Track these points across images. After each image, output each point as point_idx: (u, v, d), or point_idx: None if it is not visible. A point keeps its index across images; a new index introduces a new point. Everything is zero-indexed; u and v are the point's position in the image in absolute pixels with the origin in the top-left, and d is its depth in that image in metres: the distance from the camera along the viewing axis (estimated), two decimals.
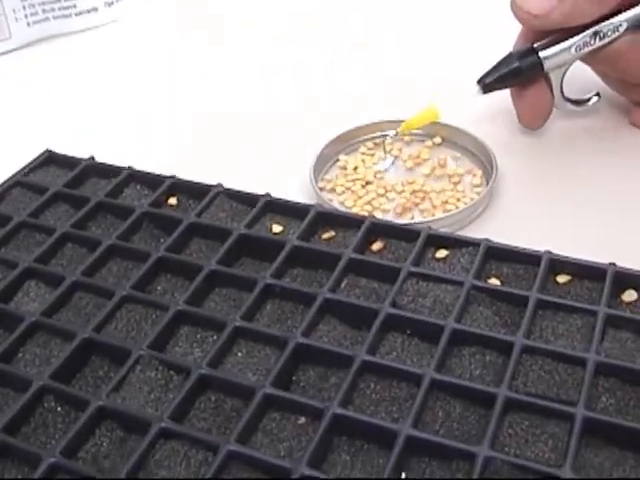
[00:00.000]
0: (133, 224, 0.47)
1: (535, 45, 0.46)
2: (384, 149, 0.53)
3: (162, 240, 0.46)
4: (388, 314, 0.39)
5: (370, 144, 0.56)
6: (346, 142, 0.56)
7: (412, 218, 0.50)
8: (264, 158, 0.57)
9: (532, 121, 0.48)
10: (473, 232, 0.47)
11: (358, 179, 0.53)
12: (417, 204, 0.51)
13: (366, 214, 0.49)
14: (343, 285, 0.41)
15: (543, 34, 0.47)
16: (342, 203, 0.51)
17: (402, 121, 0.54)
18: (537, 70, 0.46)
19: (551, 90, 0.48)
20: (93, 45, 0.74)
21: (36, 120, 0.64)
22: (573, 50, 0.46)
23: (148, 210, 0.47)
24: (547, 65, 0.46)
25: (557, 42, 0.46)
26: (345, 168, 0.54)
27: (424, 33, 0.71)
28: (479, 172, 0.53)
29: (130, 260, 0.45)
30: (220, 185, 0.48)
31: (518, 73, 0.46)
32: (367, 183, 0.53)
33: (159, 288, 0.43)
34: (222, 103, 0.64)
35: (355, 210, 0.50)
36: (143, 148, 0.59)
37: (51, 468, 0.33)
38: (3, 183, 0.51)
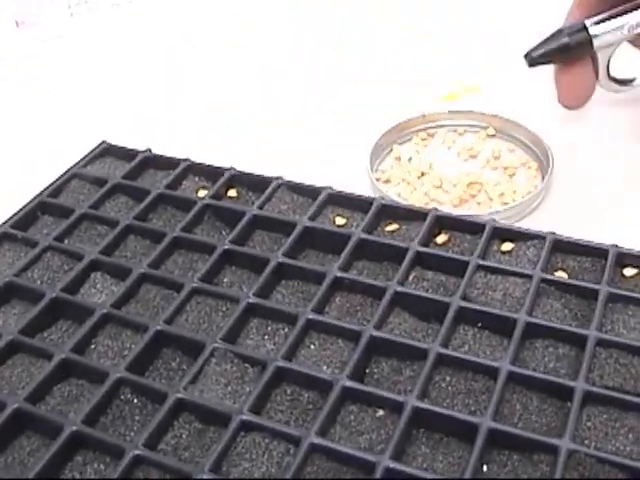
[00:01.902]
0: (195, 216, 0.47)
1: (586, 22, 0.44)
2: None
3: (224, 232, 0.46)
4: (459, 307, 0.39)
5: (424, 134, 0.56)
6: (400, 133, 0.56)
7: (469, 210, 0.50)
8: (318, 150, 0.57)
9: (572, 101, 0.45)
10: (529, 224, 0.47)
11: (413, 170, 0.53)
12: (473, 196, 0.51)
13: (423, 206, 0.49)
14: (411, 278, 0.42)
15: (595, 8, 0.45)
16: (398, 194, 0.51)
17: (457, 112, 0.55)
18: (586, 48, 0.44)
19: (595, 70, 0.45)
20: (143, 37, 0.74)
21: (88, 112, 0.65)
22: (625, 30, 0.43)
23: (209, 202, 0.47)
24: (597, 43, 0.44)
25: (609, 19, 0.44)
26: (399, 159, 0.54)
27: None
28: (534, 164, 0.53)
29: (195, 252, 0.45)
30: (281, 177, 0.48)
31: (566, 49, 0.44)
32: (422, 174, 0.53)
33: (225, 280, 0.43)
34: (277, 98, 0.64)
35: (412, 202, 0.50)
36: (197, 140, 0.59)
37: (135, 459, 0.34)
38: (61, 175, 0.51)
